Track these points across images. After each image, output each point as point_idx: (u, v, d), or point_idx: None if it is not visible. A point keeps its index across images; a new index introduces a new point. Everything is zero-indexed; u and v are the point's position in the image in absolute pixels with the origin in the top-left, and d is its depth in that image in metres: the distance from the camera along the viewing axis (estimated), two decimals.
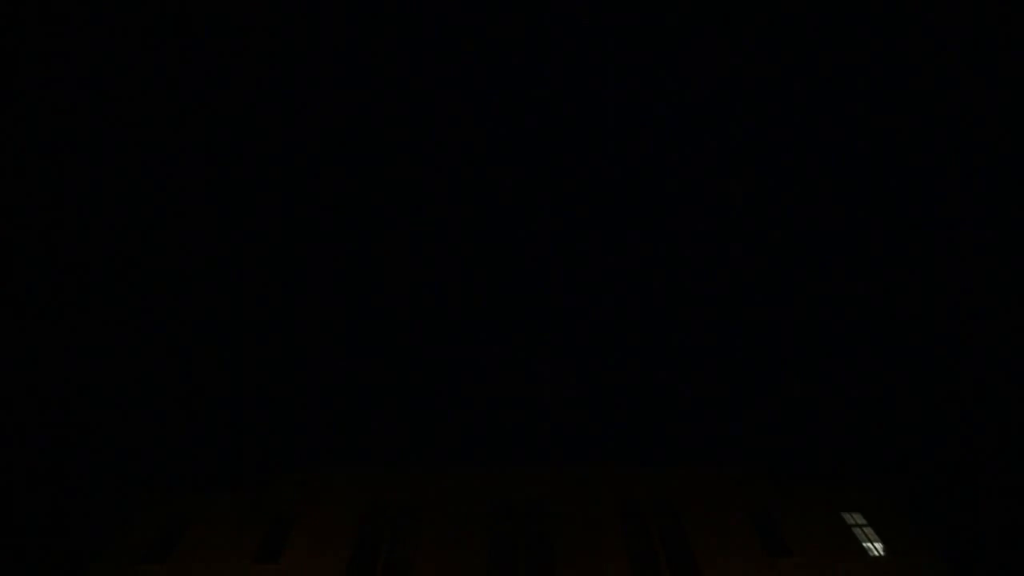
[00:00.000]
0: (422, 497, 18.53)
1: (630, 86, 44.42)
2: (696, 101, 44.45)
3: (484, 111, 46.21)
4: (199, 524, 17.84)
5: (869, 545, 17.44)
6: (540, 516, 18.05)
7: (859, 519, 18.25)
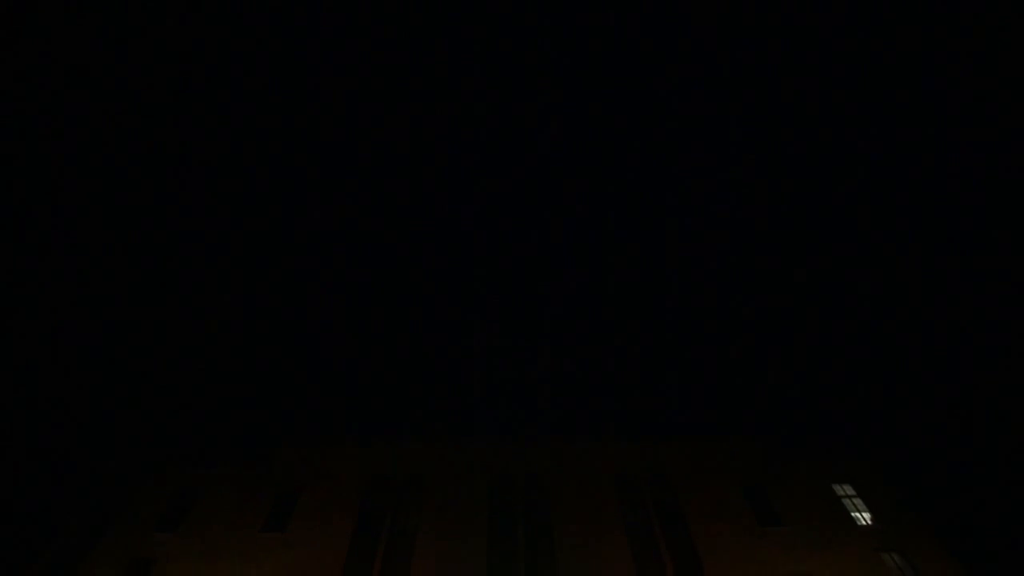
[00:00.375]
0: (424, 470, 19.01)
1: (614, 83, 43.76)
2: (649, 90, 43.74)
3: (477, 110, 45.72)
4: (208, 495, 18.36)
5: (857, 515, 17.99)
6: (539, 488, 18.55)
7: (849, 490, 18.76)
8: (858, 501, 18.41)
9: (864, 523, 17.68)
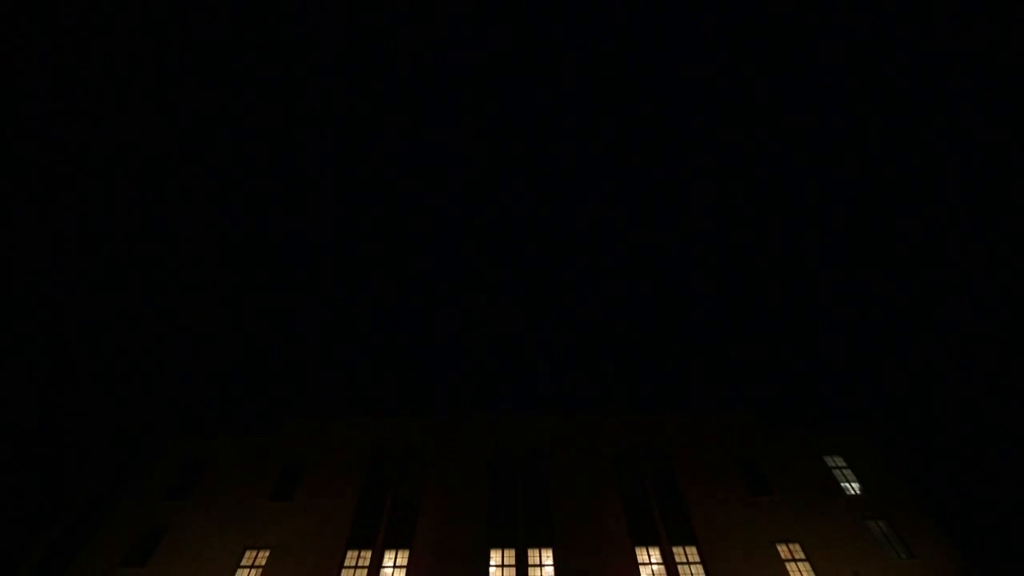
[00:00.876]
0: (426, 441, 19.48)
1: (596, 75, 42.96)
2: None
3: (469, 107, 45.07)
4: (218, 466, 18.84)
5: (847, 485, 18.54)
6: (538, 460, 19.05)
7: (839, 462, 19.28)
8: (848, 472, 18.94)
9: (853, 493, 18.23)
